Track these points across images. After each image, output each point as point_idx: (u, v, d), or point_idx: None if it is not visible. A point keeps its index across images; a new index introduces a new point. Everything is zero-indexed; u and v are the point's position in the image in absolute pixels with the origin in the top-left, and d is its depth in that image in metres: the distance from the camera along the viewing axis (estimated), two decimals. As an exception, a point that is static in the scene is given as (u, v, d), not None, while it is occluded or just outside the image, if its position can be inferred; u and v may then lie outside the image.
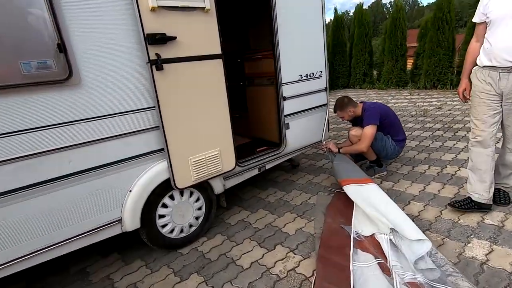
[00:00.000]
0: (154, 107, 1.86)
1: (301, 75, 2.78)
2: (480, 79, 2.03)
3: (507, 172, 2.21)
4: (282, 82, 2.64)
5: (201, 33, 1.96)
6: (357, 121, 3.12)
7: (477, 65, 2.05)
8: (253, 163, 2.59)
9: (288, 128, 2.78)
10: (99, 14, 1.59)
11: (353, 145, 2.92)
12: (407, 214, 2.14)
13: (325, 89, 3.07)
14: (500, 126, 2.08)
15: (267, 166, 2.74)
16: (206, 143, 2.13)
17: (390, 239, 1.95)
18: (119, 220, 1.87)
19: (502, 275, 1.66)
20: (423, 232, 1.97)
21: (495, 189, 2.19)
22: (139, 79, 1.79)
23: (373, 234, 2.05)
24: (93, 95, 1.64)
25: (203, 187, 2.24)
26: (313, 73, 2.89)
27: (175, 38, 1.82)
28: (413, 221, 2.05)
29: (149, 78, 1.79)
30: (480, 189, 2.13)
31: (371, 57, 9.73)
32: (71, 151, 1.62)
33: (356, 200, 2.34)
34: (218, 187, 2.33)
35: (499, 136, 2.28)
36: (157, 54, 1.77)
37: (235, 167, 2.35)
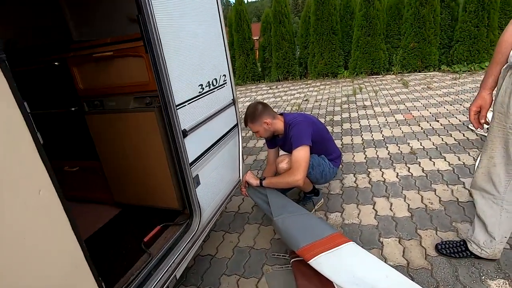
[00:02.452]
0: None
1: (203, 85, 1.54)
2: None
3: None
4: (177, 103, 1.32)
5: None
6: (276, 141, 2.23)
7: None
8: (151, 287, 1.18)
9: (198, 183, 1.51)
10: None
11: (282, 175, 1.99)
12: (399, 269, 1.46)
13: (233, 102, 1.96)
14: None
15: (179, 274, 1.38)
16: None
17: None
18: None
19: None
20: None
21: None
22: None
23: None
24: None
25: None
26: (216, 80, 1.70)
27: None
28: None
29: None
30: (482, 240, 1.55)
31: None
32: None
33: (338, 281, 1.45)
34: None
35: None
36: None
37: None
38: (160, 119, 1.45)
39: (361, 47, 7.23)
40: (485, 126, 2.97)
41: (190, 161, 1.42)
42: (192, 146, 1.44)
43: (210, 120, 1.61)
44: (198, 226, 1.52)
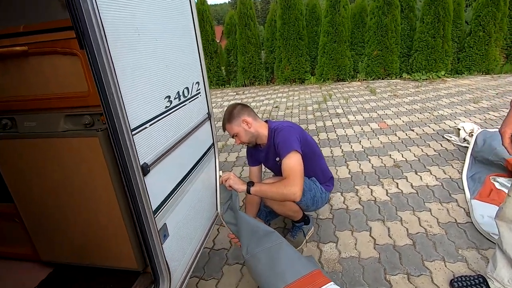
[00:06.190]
0: None
1: (170, 97, 1.11)
2: None
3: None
4: (133, 125, 0.88)
5: None
6: (259, 153, 1.85)
7: None
8: None
9: (166, 235, 1.07)
10: None
11: (276, 184, 1.53)
12: None
13: (209, 116, 1.54)
14: None
15: None
16: None
17: None
18: None
19: None
20: None
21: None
22: None
23: None
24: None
25: None
26: (188, 89, 1.28)
27: None
28: None
29: None
30: (507, 278, 1.33)
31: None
32: None
33: None
34: None
35: None
36: None
37: None
38: (108, 148, 0.99)
39: (327, 53, 7.20)
40: (462, 136, 2.74)
41: (154, 208, 0.98)
42: (157, 186, 1.00)
43: (181, 144, 1.18)
44: (167, 294, 1.07)
